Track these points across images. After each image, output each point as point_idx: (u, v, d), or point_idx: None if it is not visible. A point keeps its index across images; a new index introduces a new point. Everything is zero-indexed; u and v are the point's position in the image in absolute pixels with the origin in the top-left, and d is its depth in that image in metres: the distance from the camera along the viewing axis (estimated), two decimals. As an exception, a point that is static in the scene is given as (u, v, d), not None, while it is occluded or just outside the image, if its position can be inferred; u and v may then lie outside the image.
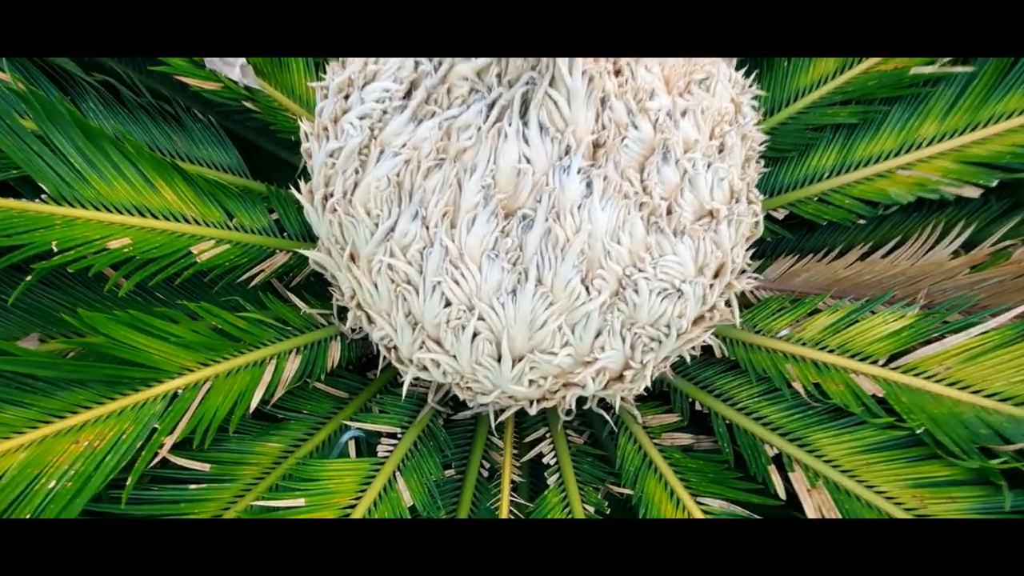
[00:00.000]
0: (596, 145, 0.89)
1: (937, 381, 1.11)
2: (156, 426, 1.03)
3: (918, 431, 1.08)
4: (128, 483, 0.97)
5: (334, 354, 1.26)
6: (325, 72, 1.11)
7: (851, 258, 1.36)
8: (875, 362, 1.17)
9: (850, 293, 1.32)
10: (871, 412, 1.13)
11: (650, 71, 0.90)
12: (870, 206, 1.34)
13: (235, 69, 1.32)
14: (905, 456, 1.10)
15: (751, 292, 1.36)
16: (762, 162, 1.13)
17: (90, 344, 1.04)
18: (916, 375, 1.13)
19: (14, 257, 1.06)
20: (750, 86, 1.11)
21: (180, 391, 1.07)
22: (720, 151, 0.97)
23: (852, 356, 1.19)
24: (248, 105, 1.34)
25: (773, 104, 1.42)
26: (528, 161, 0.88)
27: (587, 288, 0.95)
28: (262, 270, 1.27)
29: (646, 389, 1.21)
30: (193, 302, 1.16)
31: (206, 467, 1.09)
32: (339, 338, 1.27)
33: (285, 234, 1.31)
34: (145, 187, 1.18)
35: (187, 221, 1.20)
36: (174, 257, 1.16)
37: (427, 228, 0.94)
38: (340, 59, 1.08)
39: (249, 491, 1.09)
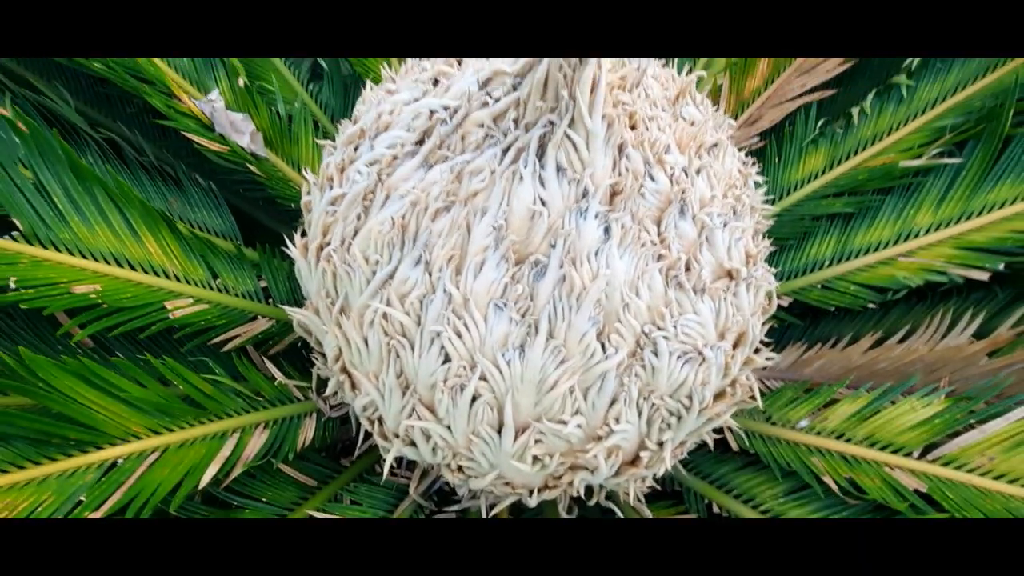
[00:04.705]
0: (614, 192, 0.86)
1: (983, 474, 1.01)
2: (82, 499, 0.85)
3: (973, 531, 0.95)
4: None
5: (307, 432, 1.13)
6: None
7: (864, 345, 1.31)
8: (909, 454, 1.08)
9: (867, 381, 1.25)
10: (917, 509, 1.01)
11: (663, 132, 0.91)
12: (877, 291, 1.32)
13: (244, 136, 1.33)
14: (960, 563, 0.97)
15: (760, 381, 1.28)
16: (767, 240, 1.12)
17: (26, 390, 0.89)
18: (958, 468, 1.04)
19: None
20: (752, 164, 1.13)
21: (121, 461, 0.91)
22: (734, 212, 0.95)
23: (883, 448, 1.11)
24: (252, 169, 1.33)
25: (767, 196, 1.45)
26: (543, 204, 0.84)
27: (603, 345, 0.86)
28: (239, 335, 1.17)
29: (658, 481, 1.08)
30: (157, 359, 1.03)
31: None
32: (315, 416, 1.15)
33: (270, 300, 1.23)
34: (128, 236, 1.11)
35: (167, 276, 1.12)
36: (145, 311, 1.06)
37: (430, 274, 0.87)
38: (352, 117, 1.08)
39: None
